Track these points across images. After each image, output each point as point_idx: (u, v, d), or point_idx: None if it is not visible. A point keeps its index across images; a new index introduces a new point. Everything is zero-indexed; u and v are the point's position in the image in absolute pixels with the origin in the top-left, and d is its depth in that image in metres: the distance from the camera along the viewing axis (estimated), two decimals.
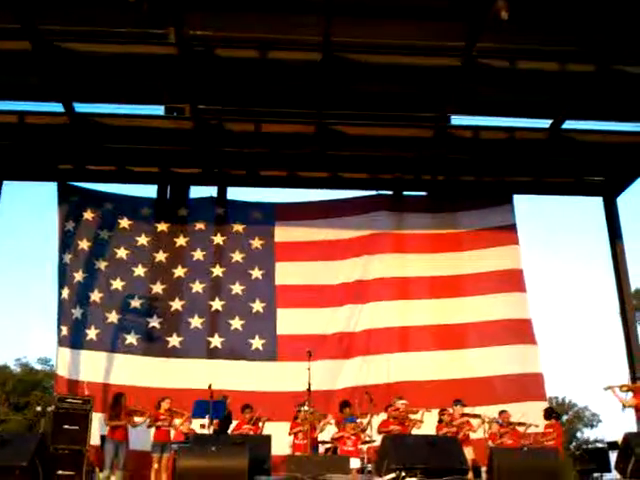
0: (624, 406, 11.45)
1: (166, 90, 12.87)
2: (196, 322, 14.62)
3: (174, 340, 14.41)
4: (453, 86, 12.34)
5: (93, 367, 13.91)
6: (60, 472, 9.52)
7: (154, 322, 14.52)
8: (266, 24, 11.10)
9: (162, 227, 15.33)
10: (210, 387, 10.86)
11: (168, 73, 12.21)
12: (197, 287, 14.93)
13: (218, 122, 13.57)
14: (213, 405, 10.79)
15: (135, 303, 14.59)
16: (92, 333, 14.18)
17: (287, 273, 15.29)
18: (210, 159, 14.79)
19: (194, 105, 12.98)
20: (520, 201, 16.33)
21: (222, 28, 11.15)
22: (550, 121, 13.72)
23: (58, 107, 12.98)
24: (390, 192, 16.21)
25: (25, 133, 13.60)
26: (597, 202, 16.23)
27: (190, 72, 11.96)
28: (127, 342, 14.27)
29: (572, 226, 74.05)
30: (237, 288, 15.05)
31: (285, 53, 11.64)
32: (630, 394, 11.46)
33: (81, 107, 13.21)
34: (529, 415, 12.55)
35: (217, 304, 14.86)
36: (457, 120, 14.19)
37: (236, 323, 14.72)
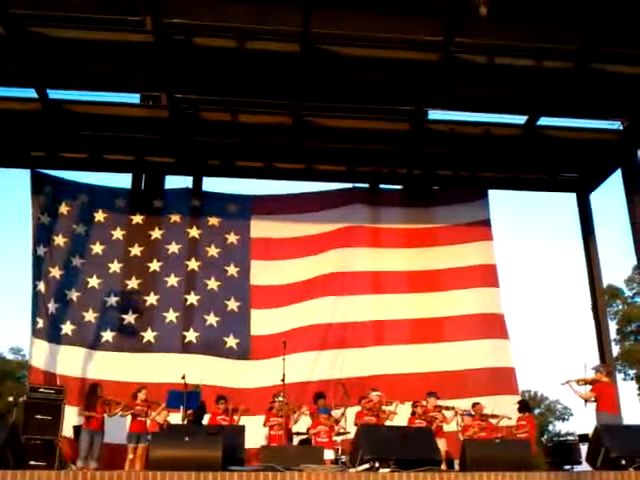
0: (585, 401, 11.58)
1: (142, 78, 12.76)
2: (171, 316, 14.51)
3: (149, 335, 14.29)
4: (430, 80, 12.41)
5: (69, 361, 13.77)
6: (32, 462, 9.40)
7: (130, 318, 14.38)
8: (245, 14, 11.06)
9: (137, 219, 15.16)
10: (184, 377, 10.80)
11: (144, 61, 12.12)
12: (172, 281, 14.81)
13: (194, 111, 13.50)
14: (187, 395, 10.73)
15: (111, 300, 14.45)
16: (67, 328, 14.03)
17: (262, 273, 15.22)
18: (186, 148, 14.69)
19: (170, 94, 12.88)
20: (494, 194, 16.46)
21: (200, 17, 11.08)
22: (525, 117, 13.85)
23: (31, 93, 12.83)
24: (366, 185, 16.24)
25: None
26: (571, 198, 16.45)
27: (167, 60, 11.88)
28: (104, 339, 14.13)
29: (545, 221, 74.80)
30: (212, 284, 14.97)
31: (263, 43, 11.59)
32: (588, 387, 11.60)
33: (55, 94, 13.06)
34: (501, 409, 12.67)
35: (192, 298, 14.77)
36: (434, 114, 14.28)
37: (211, 319, 14.65)
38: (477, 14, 9.97)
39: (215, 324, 14.64)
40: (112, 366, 13.79)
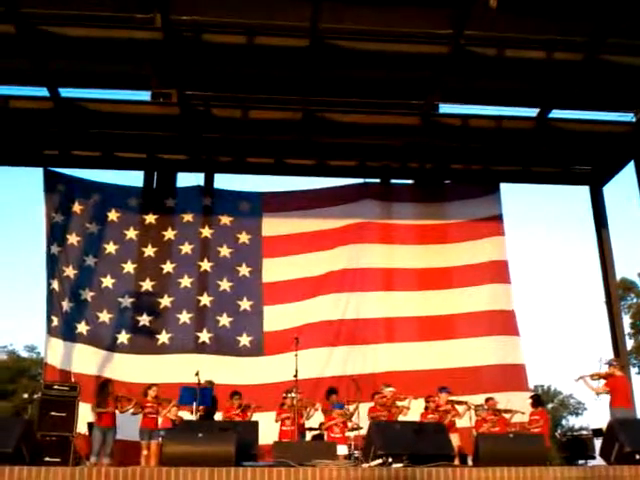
0: (597, 394, 11.55)
1: (153, 75, 12.76)
2: (185, 317, 14.58)
3: (163, 337, 14.38)
4: (441, 74, 12.35)
5: (84, 360, 13.88)
6: (47, 458, 9.45)
7: (144, 320, 14.46)
8: (254, 10, 11.04)
9: (150, 219, 15.20)
10: (197, 374, 10.86)
11: (155, 58, 12.13)
12: (185, 282, 14.86)
13: (205, 108, 13.53)
14: (200, 392, 10.79)
15: (125, 302, 14.54)
16: (82, 328, 14.13)
17: (274, 270, 15.26)
18: (197, 145, 14.72)
19: (181, 91, 12.90)
20: (506, 188, 16.39)
21: (209, 13, 11.08)
22: (537, 110, 13.76)
23: (43, 92, 12.88)
24: (377, 180, 16.20)
25: (10, 118, 13.45)
26: (584, 191, 16.35)
27: (177, 57, 11.89)
28: (119, 341, 14.23)
29: (558, 214, 74.42)
30: (225, 284, 15.00)
31: (273, 39, 11.61)
32: (602, 381, 11.55)
33: (67, 92, 13.12)
34: (512, 405, 12.64)
35: (205, 299, 14.82)
36: (445, 108, 14.22)
37: (224, 320, 14.71)
38: (487, 6, 9.91)
39: (228, 324, 14.71)
40: (127, 367, 13.91)
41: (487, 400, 12.59)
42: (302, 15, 10.94)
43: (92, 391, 12.64)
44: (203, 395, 10.97)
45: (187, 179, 15.94)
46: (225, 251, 15.28)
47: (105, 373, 13.67)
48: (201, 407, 11.12)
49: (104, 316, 14.35)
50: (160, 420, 11.65)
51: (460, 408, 12.24)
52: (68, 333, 14.02)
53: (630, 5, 10.58)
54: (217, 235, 15.39)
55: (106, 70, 12.60)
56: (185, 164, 15.54)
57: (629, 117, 14.09)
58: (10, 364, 36.74)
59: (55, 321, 13.97)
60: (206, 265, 15.10)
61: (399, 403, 11.94)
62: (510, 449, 7.82)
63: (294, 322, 14.66)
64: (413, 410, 11.96)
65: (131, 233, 15.08)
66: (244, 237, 15.46)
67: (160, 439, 10.79)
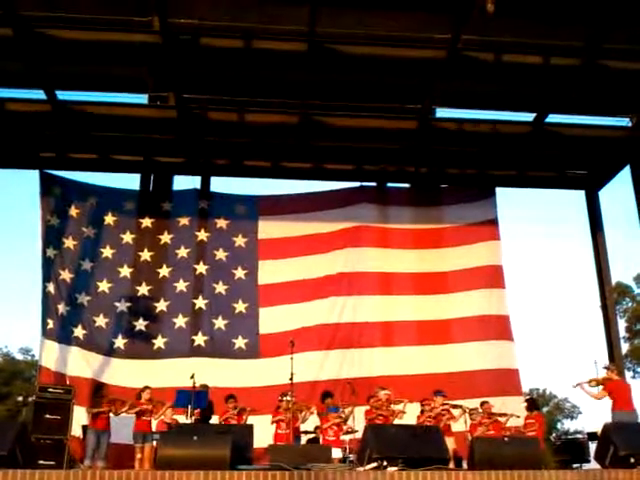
0: (597, 399, 11.55)
1: (150, 78, 12.78)
2: (180, 321, 14.58)
3: (159, 341, 14.36)
4: (438, 78, 12.37)
5: (80, 363, 13.84)
6: (41, 462, 9.41)
7: (140, 325, 14.45)
8: (251, 13, 11.07)
9: (146, 223, 15.20)
10: (193, 377, 10.84)
11: (152, 61, 12.16)
12: (181, 286, 14.85)
13: (202, 111, 13.53)
14: (195, 395, 10.77)
15: (122, 306, 14.53)
16: (79, 332, 14.10)
17: (270, 272, 15.25)
18: (194, 148, 14.72)
19: (178, 94, 12.91)
20: (501, 193, 16.42)
21: (207, 17, 11.10)
22: (534, 115, 13.80)
23: (40, 94, 12.88)
24: (374, 184, 16.21)
25: (6, 120, 13.46)
26: (579, 195, 16.39)
27: (174, 61, 11.90)
28: (115, 346, 14.21)
29: (554, 219, 74.50)
30: (220, 287, 15.00)
31: (270, 43, 11.62)
32: (600, 387, 11.56)
33: (64, 95, 13.12)
34: (507, 409, 12.65)
35: (201, 302, 14.82)
36: (441, 112, 14.27)
37: (219, 323, 14.71)
38: (484, 11, 9.94)
39: (223, 327, 14.70)
40: (123, 372, 13.88)
41: (482, 404, 12.60)
42: (300, 19, 10.97)
43: (87, 394, 12.65)
44: (198, 398, 10.95)
45: (184, 182, 15.94)
46: (221, 254, 15.27)
47: (101, 378, 13.66)
48: (196, 410, 11.11)
49: (100, 320, 14.33)
50: (155, 423, 11.64)
51: (455, 412, 12.25)
52: (64, 336, 13.97)
53: (626, 11, 10.62)
54: (213, 238, 15.38)
55: (103, 73, 12.62)
56: (182, 167, 15.53)
57: (625, 122, 14.16)
58: (4, 366, 36.59)
59: (50, 324, 13.93)
60: (202, 268, 15.10)
61: (394, 406, 11.95)
62: (505, 453, 7.79)
63: (290, 325, 14.63)
64: (409, 414, 11.97)
65: (127, 237, 15.06)
66: (240, 240, 15.46)
67: (154, 442, 10.79)
